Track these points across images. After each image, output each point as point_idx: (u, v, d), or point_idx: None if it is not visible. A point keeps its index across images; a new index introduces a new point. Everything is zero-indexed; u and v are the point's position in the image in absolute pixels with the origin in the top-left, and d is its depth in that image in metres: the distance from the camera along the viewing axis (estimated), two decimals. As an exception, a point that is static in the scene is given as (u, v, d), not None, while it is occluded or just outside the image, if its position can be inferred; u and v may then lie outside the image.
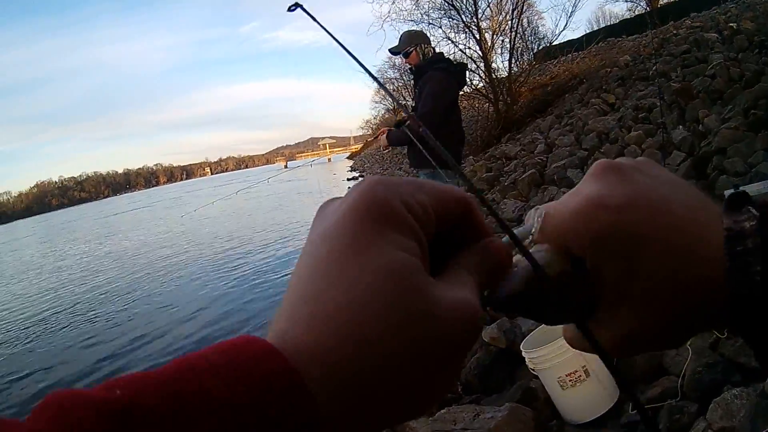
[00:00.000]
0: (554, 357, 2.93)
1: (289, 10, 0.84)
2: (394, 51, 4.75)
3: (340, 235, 0.31)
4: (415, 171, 4.73)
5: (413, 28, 13.42)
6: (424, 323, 0.29)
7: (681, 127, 6.68)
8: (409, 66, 4.76)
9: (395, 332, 0.29)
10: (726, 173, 4.60)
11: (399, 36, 4.80)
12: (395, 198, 0.32)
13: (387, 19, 16.34)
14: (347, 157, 63.41)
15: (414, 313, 0.29)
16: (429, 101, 4.32)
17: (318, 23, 0.73)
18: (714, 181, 4.52)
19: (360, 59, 0.76)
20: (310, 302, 0.30)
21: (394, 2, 16.39)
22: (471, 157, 13.22)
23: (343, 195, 0.35)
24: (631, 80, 11.44)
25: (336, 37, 0.77)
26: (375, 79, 0.87)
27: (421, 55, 4.62)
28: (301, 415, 0.26)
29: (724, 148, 5.08)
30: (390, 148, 4.97)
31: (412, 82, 4.95)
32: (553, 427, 3.03)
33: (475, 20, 15.59)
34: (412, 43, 4.66)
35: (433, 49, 4.87)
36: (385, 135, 4.67)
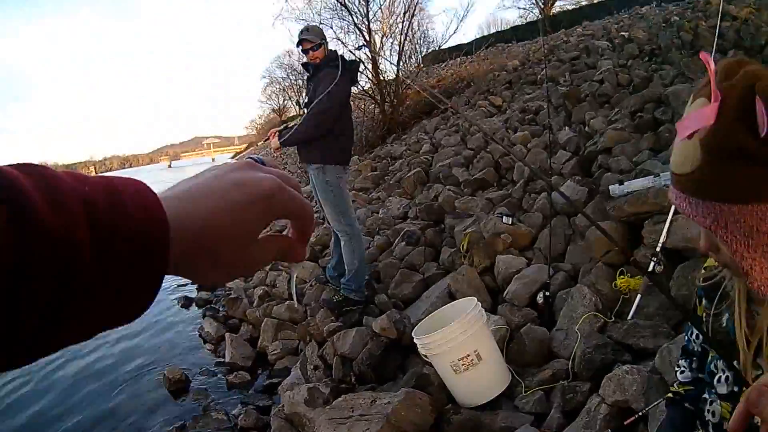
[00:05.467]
0: (446, 342, 2.98)
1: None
2: (305, 39, 4.63)
3: (224, 167, 0.51)
4: (303, 166, 4.80)
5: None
6: (240, 188, 0.48)
7: (567, 128, 7.02)
8: (307, 60, 4.72)
9: (226, 202, 0.46)
10: (611, 171, 4.88)
11: (304, 28, 4.72)
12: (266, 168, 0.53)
13: (279, 18, 19.63)
14: (231, 157, 63.56)
15: (235, 186, 0.48)
16: (325, 98, 4.36)
17: None
18: (598, 178, 4.80)
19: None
20: (191, 190, 0.47)
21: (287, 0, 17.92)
22: (356, 156, 13.34)
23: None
24: (519, 84, 11.96)
25: None
26: None
27: (326, 51, 4.65)
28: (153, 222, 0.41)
29: (609, 148, 5.42)
30: (281, 150, 5.00)
31: (306, 77, 4.93)
32: (449, 410, 3.06)
33: (366, 22, 16.02)
34: (323, 38, 4.69)
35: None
36: (276, 138, 4.74)
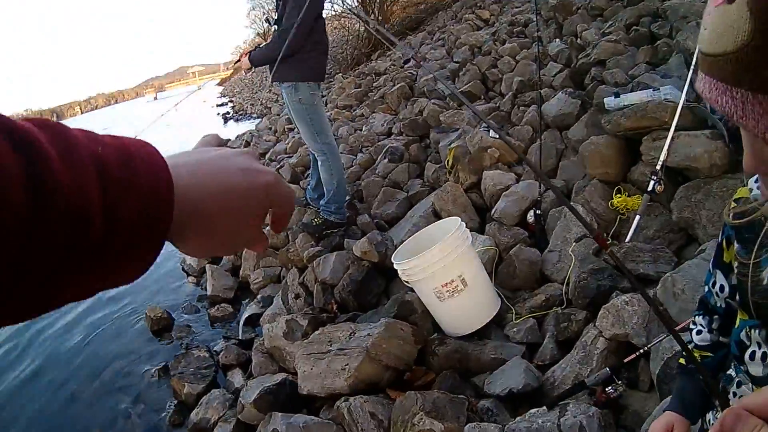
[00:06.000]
0: (428, 267, 2.77)
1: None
2: None
3: (229, 150, 0.52)
4: (278, 85, 4.63)
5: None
6: (243, 177, 0.50)
7: (558, 40, 6.75)
8: None
9: (231, 185, 0.49)
10: (605, 84, 4.64)
11: None
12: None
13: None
14: (217, 84, 61.75)
15: (239, 173, 0.50)
16: (295, 13, 4.15)
17: None
18: (592, 91, 4.55)
19: None
20: (198, 163, 0.48)
21: None
22: (340, 74, 13.20)
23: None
24: (507, -3, 11.56)
25: None
26: None
27: None
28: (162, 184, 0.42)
29: (603, 61, 5.20)
30: (253, 70, 4.91)
31: None
32: (434, 340, 2.91)
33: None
34: None
35: None
36: (246, 57, 4.62)
